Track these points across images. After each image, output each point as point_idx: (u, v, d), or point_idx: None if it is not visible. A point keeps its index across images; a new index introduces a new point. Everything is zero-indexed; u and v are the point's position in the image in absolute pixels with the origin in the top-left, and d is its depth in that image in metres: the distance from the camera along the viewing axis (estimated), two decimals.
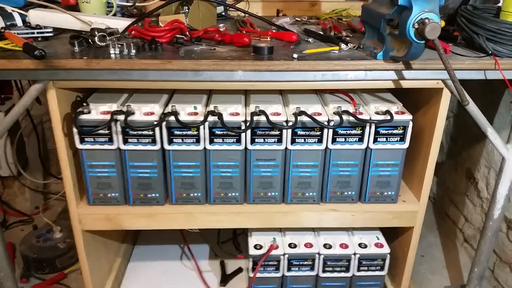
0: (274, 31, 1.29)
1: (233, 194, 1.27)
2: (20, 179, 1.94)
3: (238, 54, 1.09)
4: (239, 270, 1.65)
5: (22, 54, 1.01)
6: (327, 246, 1.37)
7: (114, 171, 1.22)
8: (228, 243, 1.79)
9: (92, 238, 1.37)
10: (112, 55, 1.04)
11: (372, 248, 1.37)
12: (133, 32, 1.19)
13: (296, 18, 1.57)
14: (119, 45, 1.07)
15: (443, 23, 1.18)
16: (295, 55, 1.05)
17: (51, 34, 1.16)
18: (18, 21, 1.21)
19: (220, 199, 1.28)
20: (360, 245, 1.38)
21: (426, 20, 0.92)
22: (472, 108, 1.15)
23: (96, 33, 1.11)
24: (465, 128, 1.77)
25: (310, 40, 1.22)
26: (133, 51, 1.05)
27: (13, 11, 1.23)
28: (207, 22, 1.42)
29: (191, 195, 1.26)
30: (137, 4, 1.52)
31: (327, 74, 1.06)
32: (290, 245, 1.37)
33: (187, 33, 1.21)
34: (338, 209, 1.30)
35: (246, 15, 1.52)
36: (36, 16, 1.25)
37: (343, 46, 1.12)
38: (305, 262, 1.36)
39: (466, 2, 1.23)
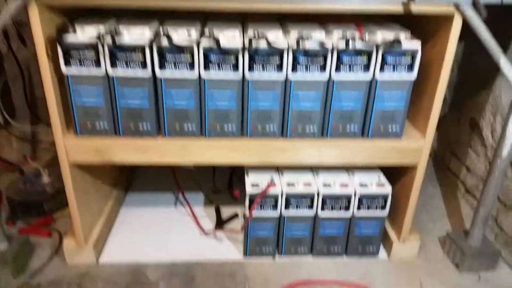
0: None
1: (230, 127, 1.19)
2: (7, 128, 1.85)
3: None
4: (235, 215, 1.59)
5: None
6: (326, 185, 1.30)
7: (102, 99, 1.13)
8: (223, 192, 1.74)
9: (82, 177, 1.30)
10: None
11: (374, 187, 1.30)
12: None
13: None
14: None
15: None
16: None
17: None
18: None
19: (216, 133, 1.20)
20: (360, 184, 1.32)
21: None
22: (485, 34, 1.07)
23: None
24: (470, 76, 1.69)
25: None
26: None
27: None
28: None
29: (185, 127, 1.18)
30: None
31: None
32: (288, 184, 1.30)
33: None
34: (340, 145, 1.22)
35: None
36: None
37: None
38: (304, 201, 1.29)
39: None
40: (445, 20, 1.10)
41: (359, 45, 1.09)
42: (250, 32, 1.10)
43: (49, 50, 1.06)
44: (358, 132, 1.22)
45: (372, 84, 1.15)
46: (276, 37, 1.11)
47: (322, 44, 1.07)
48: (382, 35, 1.12)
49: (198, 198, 1.70)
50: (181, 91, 1.13)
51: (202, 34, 1.06)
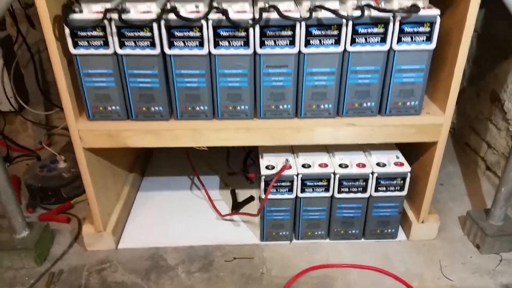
0: None
1: (242, 107, 1.09)
2: (22, 114, 1.81)
3: None
4: (251, 198, 1.49)
5: None
6: (343, 165, 1.20)
7: (113, 80, 1.04)
8: (239, 174, 1.66)
9: (97, 163, 1.22)
10: None
11: (392, 166, 1.19)
12: None
13: None
14: None
15: None
16: None
17: None
18: None
19: (228, 113, 1.10)
20: (378, 164, 1.21)
21: None
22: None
23: None
24: (490, 46, 1.55)
25: None
26: None
27: None
28: None
29: (197, 108, 1.09)
30: None
31: None
32: (303, 166, 1.19)
33: None
34: (356, 123, 1.11)
35: None
36: None
37: None
38: (320, 183, 1.19)
39: None
40: None
41: (374, 13, 1.00)
42: (261, 3, 1.01)
43: (57, 31, 1.01)
44: (375, 108, 1.11)
45: (389, 56, 1.03)
46: (288, 7, 1.02)
47: (336, 13, 0.98)
48: (399, 4, 1.03)
49: (213, 181, 1.61)
50: (192, 70, 1.04)
51: (210, 7, 0.99)
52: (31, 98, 1.80)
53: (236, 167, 1.67)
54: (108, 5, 0.99)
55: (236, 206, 1.47)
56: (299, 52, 1.03)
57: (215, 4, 0.98)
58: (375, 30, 1.00)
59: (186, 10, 1.00)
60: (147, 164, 1.74)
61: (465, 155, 1.76)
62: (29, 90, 1.79)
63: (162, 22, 0.98)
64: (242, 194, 1.54)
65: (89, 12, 0.99)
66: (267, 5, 0.99)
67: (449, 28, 1.07)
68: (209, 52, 1.03)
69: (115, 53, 1.02)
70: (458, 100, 1.12)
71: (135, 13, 0.98)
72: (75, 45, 1.01)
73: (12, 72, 1.66)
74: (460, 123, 1.83)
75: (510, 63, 1.43)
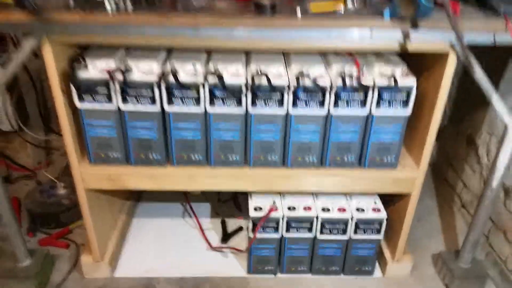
0: None
1: (234, 157, 1.19)
2: (21, 135, 1.86)
3: (239, 10, 0.98)
4: (240, 229, 1.59)
5: (14, 6, 0.91)
6: (325, 209, 1.30)
7: (115, 131, 1.13)
8: (229, 202, 1.75)
9: (96, 196, 1.30)
10: (109, 8, 0.94)
11: (370, 212, 1.29)
12: None
13: None
14: None
15: None
16: (298, 13, 0.94)
17: None
18: None
19: (221, 162, 1.20)
20: (357, 209, 1.31)
21: None
22: (478, 73, 1.08)
23: None
24: (469, 93, 1.64)
25: None
26: (130, 5, 0.95)
27: None
28: None
29: (192, 157, 1.19)
30: None
31: (332, 32, 0.96)
32: (289, 208, 1.29)
33: None
34: (338, 174, 1.21)
35: None
36: None
37: (348, 2, 1.03)
38: (303, 225, 1.29)
39: None
40: (440, 57, 1.07)
41: (356, 83, 1.09)
42: (253, 67, 1.09)
43: (63, 84, 1.06)
44: (355, 162, 1.21)
45: (368, 119, 1.14)
46: (278, 72, 1.10)
47: (319, 82, 1.07)
48: (379, 70, 1.11)
49: (205, 208, 1.71)
50: (188, 124, 1.13)
51: (207, 71, 1.07)
52: (31, 120, 1.85)
53: (226, 194, 1.75)
54: (112, 62, 1.07)
55: (226, 237, 1.56)
56: (287, 112, 1.13)
57: (211, 67, 1.07)
58: (356, 96, 1.10)
59: (185, 71, 1.08)
60: (142, 190, 1.83)
61: (443, 189, 1.86)
62: (30, 113, 1.85)
63: (163, 84, 1.07)
64: (231, 223, 1.63)
65: (94, 69, 1.06)
66: (259, 70, 1.08)
67: (425, 90, 1.16)
68: (205, 109, 1.12)
69: (118, 108, 1.11)
70: (439, 137, 1.20)
71: (138, 72, 1.07)
72: (81, 99, 1.09)
73: (14, 96, 1.71)
74: (440, 159, 1.93)
75: (486, 113, 1.54)
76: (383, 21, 0.95)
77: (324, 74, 1.10)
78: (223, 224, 1.63)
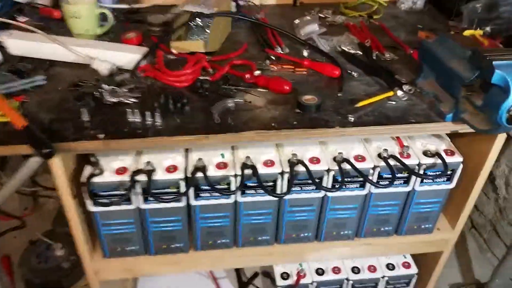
0: (308, 55, 1.08)
1: (264, 237, 1.10)
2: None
3: (280, 113, 0.87)
4: (255, 275, 1.52)
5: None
6: (355, 270, 1.26)
7: (133, 227, 1.01)
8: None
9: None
10: (132, 124, 0.81)
11: (400, 269, 1.27)
12: (145, 71, 0.95)
13: (319, 14, 1.32)
14: (133, 100, 0.85)
15: None
16: (350, 117, 0.84)
17: (44, 82, 0.91)
18: None
19: (250, 243, 1.11)
20: (387, 266, 1.29)
21: None
22: None
23: (103, 85, 0.87)
24: None
25: (353, 73, 1.02)
26: (158, 119, 0.82)
27: None
28: (224, 32, 1.17)
29: (219, 241, 1.10)
30: (132, 5, 1.22)
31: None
32: (317, 271, 1.25)
33: (210, 70, 0.98)
34: (373, 243, 1.16)
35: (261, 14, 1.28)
36: (17, 47, 0.97)
37: (399, 92, 0.93)
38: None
39: None
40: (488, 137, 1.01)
41: (399, 163, 1.01)
42: (288, 153, 0.99)
43: (74, 190, 0.95)
44: (391, 231, 1.16)
45: (410, 193, 1.07)
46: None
47: (359, 165, 0.99)
48: (423, 147, 1.05)
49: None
50: (216, 213, 1.04)
51: (240, 161, 0.96)
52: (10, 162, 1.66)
53: None
54: (129, 161, 0.94)
55: (242, 287, 1.51)
56: (325, 195, 1.04)
57: (240, 155, 0.96)
58: (400, 175, 1.03)
59: (213, 163, 0.97)
60: None
61: None
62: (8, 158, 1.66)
63: (191, 181, 0.95)
64: (246, 269, 1.57)
65: (110, 173, 0.93)
66: (295, 158, 0.98)
67: (469, 158, 1.08)
68: (235, 200, 1.01)
69: (138, 207, 0.98)
70: None
71: (161, 171, 0.94)
72: (96, 204, 0.95)
73: None
74: None
75: (507, 145, 1.50)
76: (444, 124, 0.86)
77: (365, 155, 1.01)
78: (237, 273, 1.56)
